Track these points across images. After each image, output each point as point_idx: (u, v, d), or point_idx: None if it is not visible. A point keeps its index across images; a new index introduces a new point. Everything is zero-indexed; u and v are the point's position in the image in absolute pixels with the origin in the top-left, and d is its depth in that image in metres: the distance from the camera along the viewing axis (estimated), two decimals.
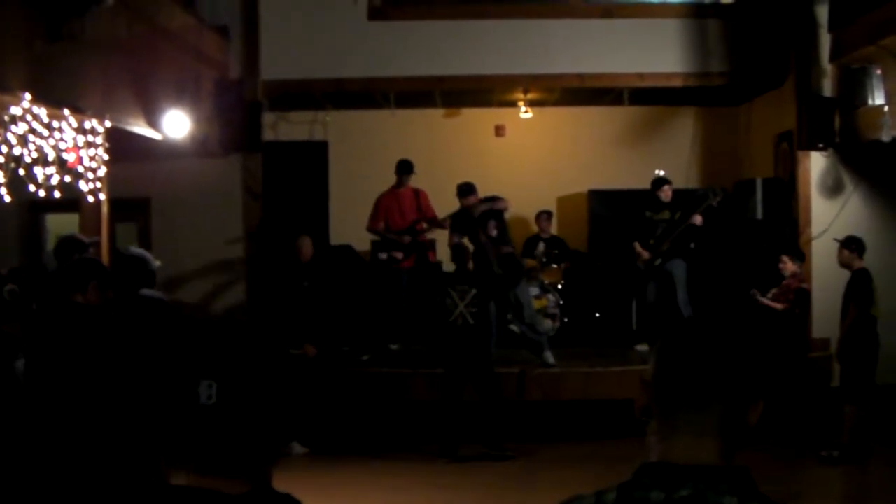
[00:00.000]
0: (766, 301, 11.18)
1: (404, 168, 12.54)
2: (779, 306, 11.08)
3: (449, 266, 12.28)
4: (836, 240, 10.64)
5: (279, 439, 2.19)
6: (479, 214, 11.98)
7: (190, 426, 2.08)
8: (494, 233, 11.90)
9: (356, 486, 9.67)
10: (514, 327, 12.66)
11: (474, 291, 10.71)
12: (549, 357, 11.88)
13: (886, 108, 10.83)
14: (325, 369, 11.29)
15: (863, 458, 10.04)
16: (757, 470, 1.93)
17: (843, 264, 10.42)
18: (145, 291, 7.45)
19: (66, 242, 8.14)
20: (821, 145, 12.28)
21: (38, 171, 7.56)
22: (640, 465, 1.95)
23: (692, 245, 12.57)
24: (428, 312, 11.27)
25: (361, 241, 13.42)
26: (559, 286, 13.69)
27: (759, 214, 12.84)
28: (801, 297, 11.19)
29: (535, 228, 14.35)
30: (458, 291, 10.72)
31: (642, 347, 12.72)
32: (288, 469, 10.25)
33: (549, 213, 14.34)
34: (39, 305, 6.01)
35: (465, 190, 12.11)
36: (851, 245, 10.38)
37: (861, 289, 10.18)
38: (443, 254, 13.56)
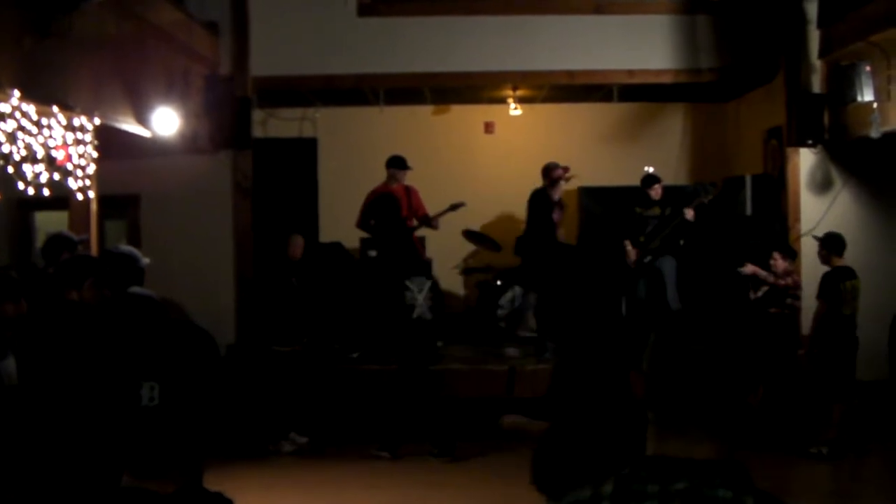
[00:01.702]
0: (753, 269, 11.20)
1: (398, 164, 12.43)
2: (764, 274, 11.11)
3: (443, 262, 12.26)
4: (815, 237, 10.71)
5: (210, 439, 2.18)
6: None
7: (132, 428, 2.07)
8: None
9: (345, 484, 9.67)
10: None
11: (430, 283, 10.61)
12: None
13: (875, 105, 10.84)
14: (314, 366, 11.29)
15: (850, 453, 10.08)
16: (749, 466, 1.94)
17: (822, 261, 10.53)
18: (134, 289, 7.43)
19: (55, 240, 8.12)
20: (810, 142, 12.29)
21: (27, 169, 7.54)
22: (636, 458, 1.96)
23: (682, 242, 12.61)
24: (387, 307, 11.01)
25: (351, 238, 13.40)
26: None
27: (749, 211, 12.86)
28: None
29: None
30: (415, 283, 10.61)
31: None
32: (277, 466, 10.21)
33: None
34: (31, 303, 5.96)
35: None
36: (829, 243, 10.47)
37: (826, 287, 10.25)
38: (432, 251, 13.56)
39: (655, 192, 12.64)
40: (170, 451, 2.08)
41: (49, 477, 4.96)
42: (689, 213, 12.24)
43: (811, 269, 11.99)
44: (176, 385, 2.07)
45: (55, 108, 7.89)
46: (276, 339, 11.69)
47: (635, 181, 12.96)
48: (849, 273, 10.38)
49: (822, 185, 12.53)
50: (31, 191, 7.66)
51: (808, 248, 12.18)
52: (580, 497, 1.97)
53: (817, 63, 12.41)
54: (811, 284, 11.67)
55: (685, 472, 1.89)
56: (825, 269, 10.64)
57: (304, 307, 11.66)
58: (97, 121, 8.60)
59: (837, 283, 10.27)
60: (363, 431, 11.18)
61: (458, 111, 15.37)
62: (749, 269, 11.22)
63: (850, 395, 10.18)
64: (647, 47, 12.84)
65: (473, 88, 13.97)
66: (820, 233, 11.06)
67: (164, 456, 2.08)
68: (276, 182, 13.18)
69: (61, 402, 5.23)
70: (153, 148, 10.69)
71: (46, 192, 7.84)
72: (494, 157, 14.98)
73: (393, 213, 11.02)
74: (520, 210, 14.01)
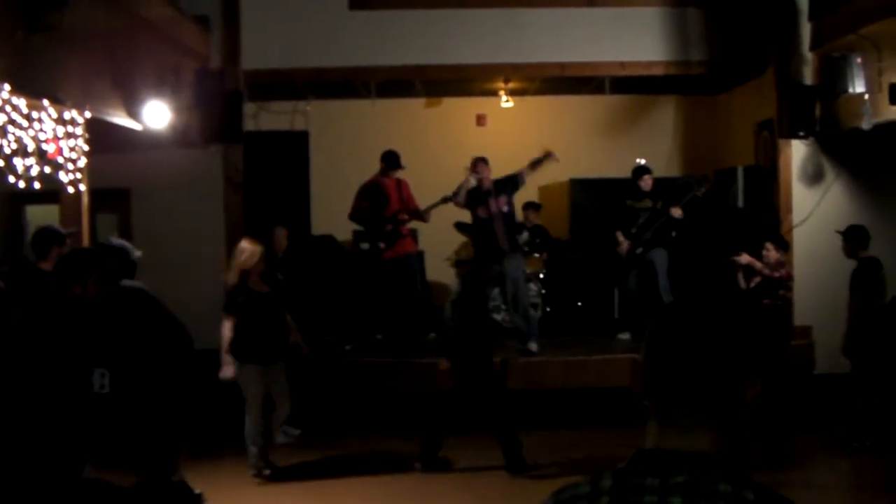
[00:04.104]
0: (749, 259, 11.16)
1: (392, 162, 12.39)
2: (759, 264, 11.08)
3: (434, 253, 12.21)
4: (837, 231, 10.59)
5: (176, 431, 2.17)
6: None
7: (84, 415, 2.04)
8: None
9: (338, 475, 9.68)
10: (497, 316, 12.69)
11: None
12: (534, 346, 11.91)
13: (867, 97, 10.86)
14: (303, 359, 11.30)
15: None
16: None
17: (847, 255, 10.40)
18: (126, 282, 7.42)
19: (43, 233, 8.10)
20: (801, 133, 12.31)
21: (18, 163, 7.52)
22: (635, 452, 1.96)
23: (673, 234, 12.62)
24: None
25: (343, 230, 13.39)
26: (541, 275, 13.69)
27: (741, 203, 12.87)
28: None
29: (518, 217, 14.36)
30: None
31: (624, 336, 12.76)
32: (270, 458, 10.13)
33: (536, 206, 14.33)
34: (32, 297, 5.93)
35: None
36: (851, 237, 10.33)
37: (864, 279, 10.14)
38: (424, 243, 13.56)
39: (646, 182, 12.66)
40: (129, 441, 2.07)
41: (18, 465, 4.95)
42: (677, 213, 12.26)
43: (803, 260, 12.03)
44: (126, 373, 2.06)
45: (46, 102, 7.87)
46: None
47: (627, 173, 12.98)
48: (879, 263, 10.26)
49: (814, 177, 12.55)
50: (21, 184, 7.63)
51: (800, 240, 12.21)
52: (579, 492, 1.96)
53: (808, 55, 12.42)
54: (800, 275, 11.70)
55: (684, 466, 1.89)
56: (818, 261, 10.61)
57: (290, 301, 11.66)
58: (88, 114, 8.58)
59: (877, 274, 10.17)
60: (356, 424, 11.21)
61: (450, 104, 15.36)
62: (744, 258, 11.20)
63: (884, 386, 10.08)
64: (639, 39, 12.84)
65: (465, 81, 13.96)
66: (813, 224, 11.05)
67: (121, 445, 2.06)
68: (267, 175, 13.17)
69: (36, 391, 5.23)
70: (144, 141, 10.67)
71: (37, 185, 7.82)
72: (486, 150, 14.87)
73: None
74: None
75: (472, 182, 11.95)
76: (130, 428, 1.95)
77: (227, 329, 9.31)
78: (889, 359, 10.00)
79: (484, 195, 11.99)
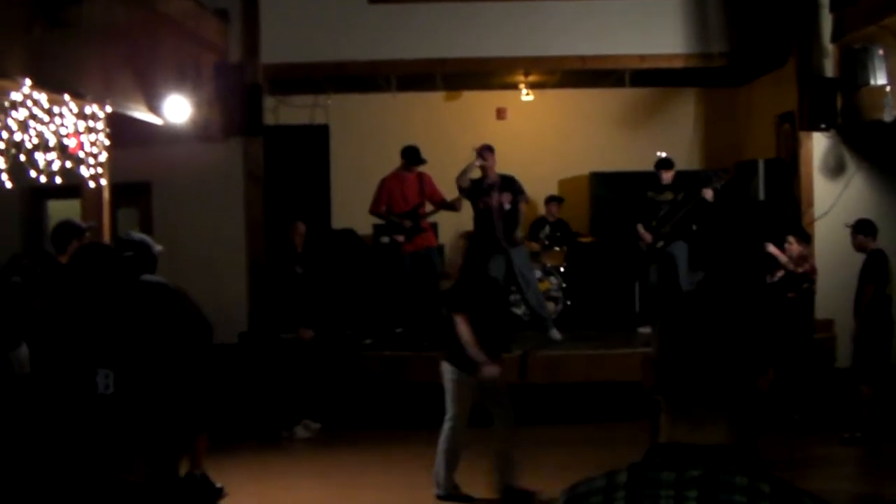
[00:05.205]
0: (774, 250, 11.12)
1: (413, 158, 12.37)
2: (784, 257, 11.04)
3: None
4: (847, 225, 10.60)
5: (181, 428, 2.17)
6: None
7: (88, 415, 2.05)
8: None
9: (359, 468, 9.69)
10: (516, 310, 12.69)
11: None
12: (556, 334, 11.93)
13: (888, 89, 10.81)
14: (323, 353, 11.34)
15: (880, 438, 10.04)
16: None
17: (858, 248, 10.41)
18: (147, 276, 7.44)
19: (62, 227, 8.14)
20: (823, 126, 12.25)
21: (39, 157, 7.56)
22: (650, 446, 1.96)
23: (694, 227, 12.58)
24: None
25: (364, 224, 13.40)
26: (562, 269, 13.68)
27: (762, 195, 12.82)
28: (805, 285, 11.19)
29: (539, 212, 14.36)
30: None
31: (645, 329, 12.73)
32: (291, 452, 10.22)
33: (559, 200, 14.34)
34: (50, 290, 5.95)
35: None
36: (863, 229, 10.37)
37: (877, 269, 10.17)
38: (445, 237, 13.56)
39: (668, 174, 12.60)
40: (130, 438, 2.08)
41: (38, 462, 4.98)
42: (709, 194, 12.13)
43: (824, 253, 11.97)
44: (131, 373, 2.07)
45: (67, 97, 7.90)
46: (283, 327, 11.73)
47: (647, 166, 12.94)
48: (886, 255, 10.31)
49: (835, 169, 12.49)
50: (43, 179, 7.68)
51: (822, 233, 12.15)
52: (594, 486, 1.96)
53: (829, 47, 12.36)
54: (822, 268, 11.65)
55: (700, 459, 1.88)
56: (840, 253, 10.58)
57: (309, 295, 11.67)
58: (108, 109, 8.61)
59: (885, 264, 10.21)
60: (376, 417, 11.22)
61: (470, 97, 15.35)
62: (771, 249, 11.15)
63: (882, 378, 10.10)
64: (659, 32, 12.80)
65: (485, 74, 13.95)
66: (834, 217, 11.00)
67: (125, 444, 2.08)
68: (287, 169, 13.19)
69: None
70: (164, 136, 10.71)
71: (58, 180, 7.86)
72: (506, 143, 14.89)
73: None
74: (532, 196, 14.00)
75: (477, 169, 12.02)
76: (136, 428, 1.95)
77: (464, 327, 8.33)
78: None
79: (487, 188, 12.03)
